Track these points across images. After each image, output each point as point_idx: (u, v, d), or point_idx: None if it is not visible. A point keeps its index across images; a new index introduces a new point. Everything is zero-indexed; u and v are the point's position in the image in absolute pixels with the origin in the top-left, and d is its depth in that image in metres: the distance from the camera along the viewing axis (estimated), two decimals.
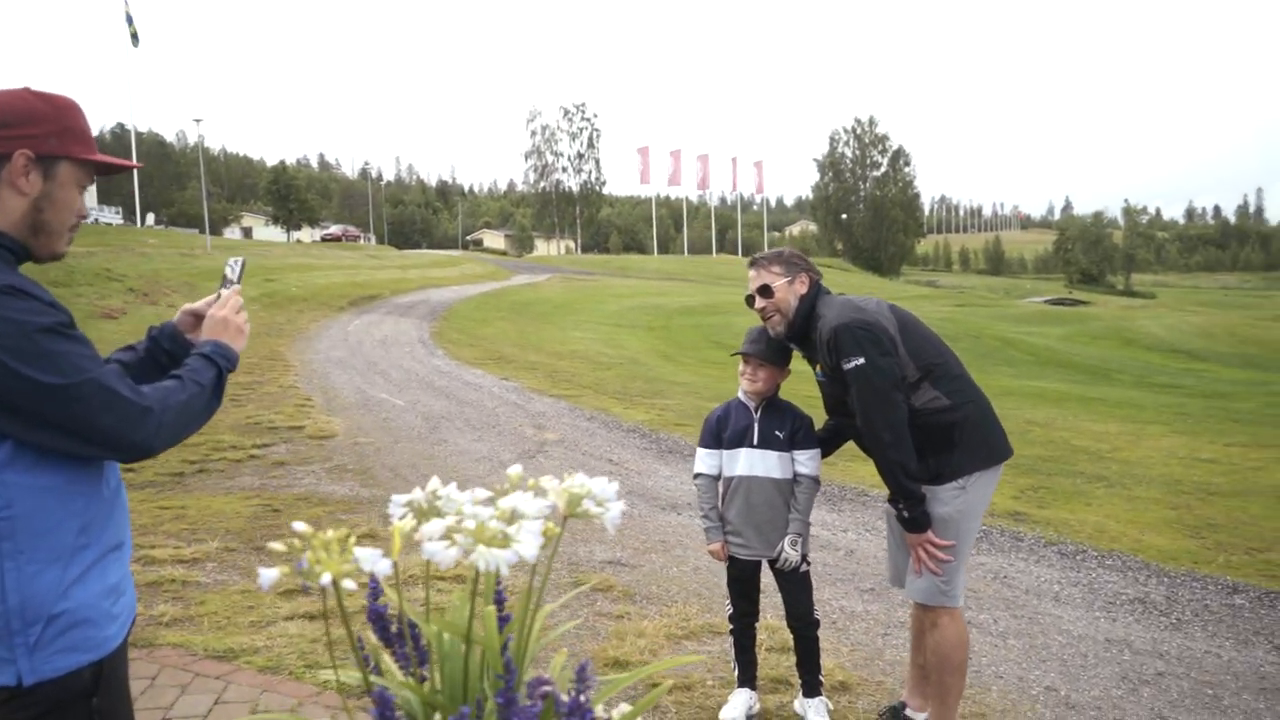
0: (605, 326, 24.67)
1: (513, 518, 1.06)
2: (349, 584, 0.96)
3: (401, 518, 1.30)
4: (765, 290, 3.42)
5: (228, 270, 2.30)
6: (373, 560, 0.97)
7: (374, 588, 1.52)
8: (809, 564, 3.66)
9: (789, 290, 3.41)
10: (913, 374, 3.24)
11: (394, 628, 1.44)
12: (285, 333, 18.96)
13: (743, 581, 3.69)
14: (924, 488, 3.25)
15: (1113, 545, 6.30)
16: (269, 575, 0.97)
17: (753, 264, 3.51)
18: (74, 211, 1.84)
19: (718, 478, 3.67)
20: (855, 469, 8.38)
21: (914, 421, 3.21)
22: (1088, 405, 13.85)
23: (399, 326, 20.90)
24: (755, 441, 3.60)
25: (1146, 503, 7.50)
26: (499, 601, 1.45)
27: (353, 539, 1.00)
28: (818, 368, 3.45)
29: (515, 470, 1.32)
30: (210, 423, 7.88)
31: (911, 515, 3.23)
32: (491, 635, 1.18)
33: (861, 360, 3.16)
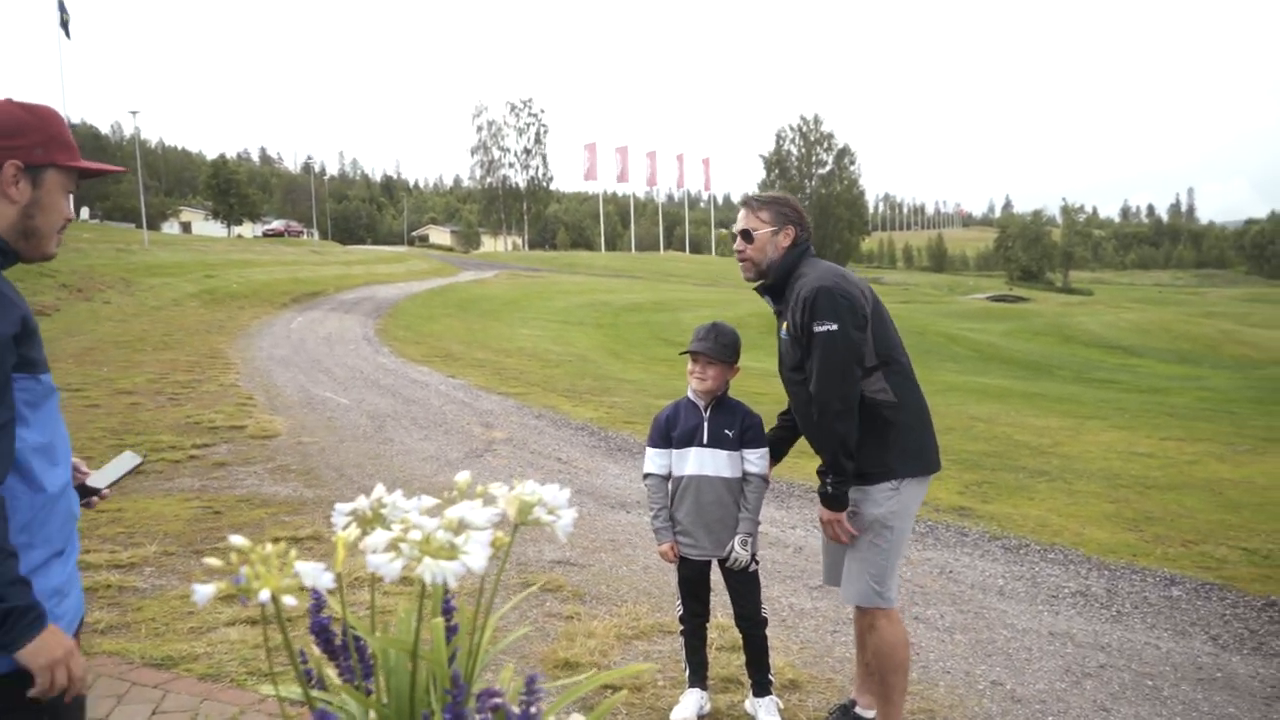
0: (553, 323, 24.57)
1: (460, 528, 1.03)
2: (289, 600, 0.92)
3: (345, 527, 1.26)
4: (746, 235, 3.37)
5: (107, 472, 2.15)
6: (315, 575, 0.93)
7: (317, 599, 1.47)
8: (758, 563, 3.66)
9: (769, 241, 3.36)
10: (870, 359, 3.23)
11: (338, 639, 1.40)
12: (226, 330, 18.58)
13: (693, 581, 3.68)
14: (857, 486, 3.26)
15: (1055, 539, 6.41)
16: (204, 592, 0.93)
17: (744, 204, 3.45)
18: (61, 214, 1.95)
19: (667, 477, 3.66)
20: (804, 465, 8.41)
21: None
22: (1029, 400, 14.12)
23: (343, 323, 20.60)
24: (705, 440, 3.59)
25: (1087, 497, 7.65)
26: (447, 611, 1.42)
27: (293, 553, 0.96)
28: (783, 326, 3.36)
29: (464, 477, 1.29)
30: (148, 422, 7.67)
31: (835, 492, 3.23)
32: (439, 648, 1.14)
33: (834, 326, 3.12)
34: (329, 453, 8.47)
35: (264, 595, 0.90)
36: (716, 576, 3.72)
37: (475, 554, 0.99)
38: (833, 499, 3.24)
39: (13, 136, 1.85)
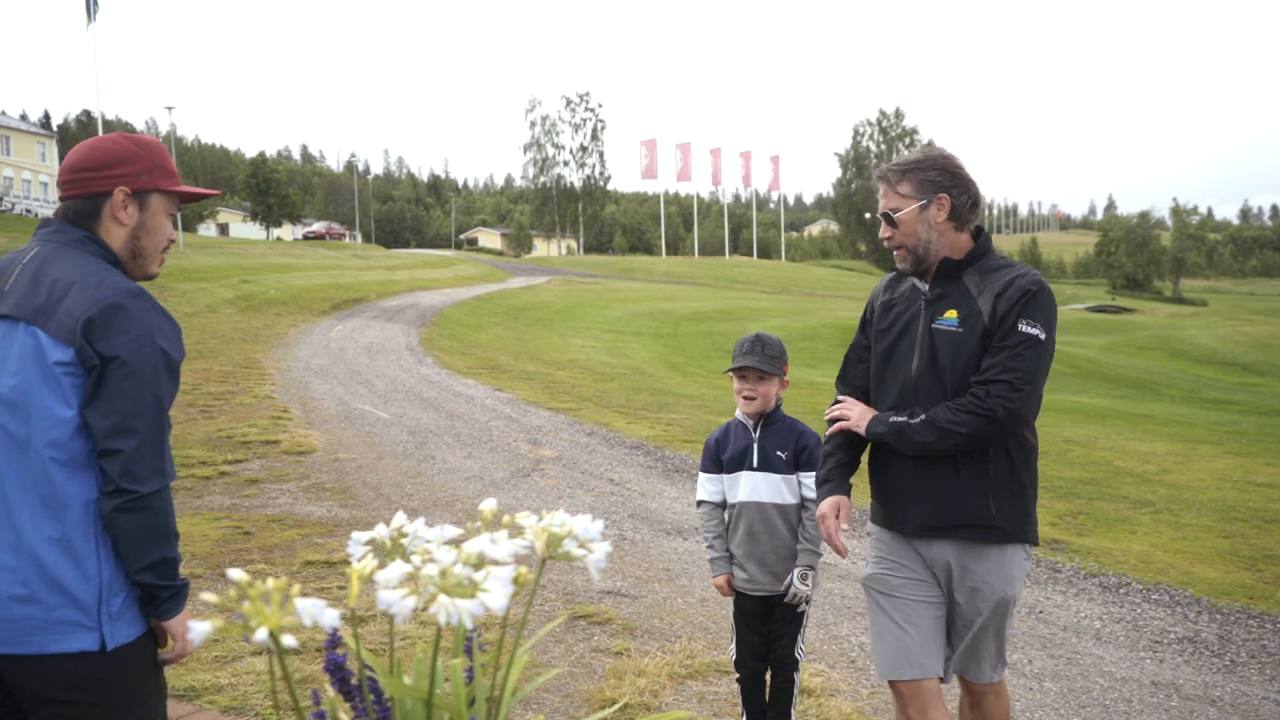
0: (608, 333, 24.65)
1: (480, 562, 1.01)
2: (289, 640, 0.91)
3: (361, 558, 1.25)
4: (889, 218, 2.96)
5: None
6: (316, 612, 0.92)
7: (333, 634, 1.47)
8: (809, 603, 3.60)
9: (918, 219, 2.92)
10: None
11: (354, 679, 1.40)
12: (262, 338, 18.96)
13: (751, 617, 3.63)
14: (987, 550, 2.93)
15: (1159, 577, 6.23)
16: (200, 630, 0.93)
17: (881, 177, 3.03)
18: (165, 236, 2.32)
19: (722, 505, 3.64)
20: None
21: (1009, 443, 2.91)
22: (1133, 422, 13.76)
23: (385, 332, 20.90)
24: (755, 464, 3.57)
25: (1197, 530, 7.42)
26: (468, 652, 1.40)
27: (296, 588, 0.96)
28: (950, 314, 2.92)
29: (489, 505, 1.27)
30: (179, 437, 7.86)
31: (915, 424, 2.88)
32: (458, 695, 1.13)
33: (1044, 335, 2.83)
34: (367, 470, 8.57)
35: (261, 634, 0.90)
36: None
37: (495, 592, 0.97)
38: (908, 430, 2.89)
39: (121, 165, 2.22)
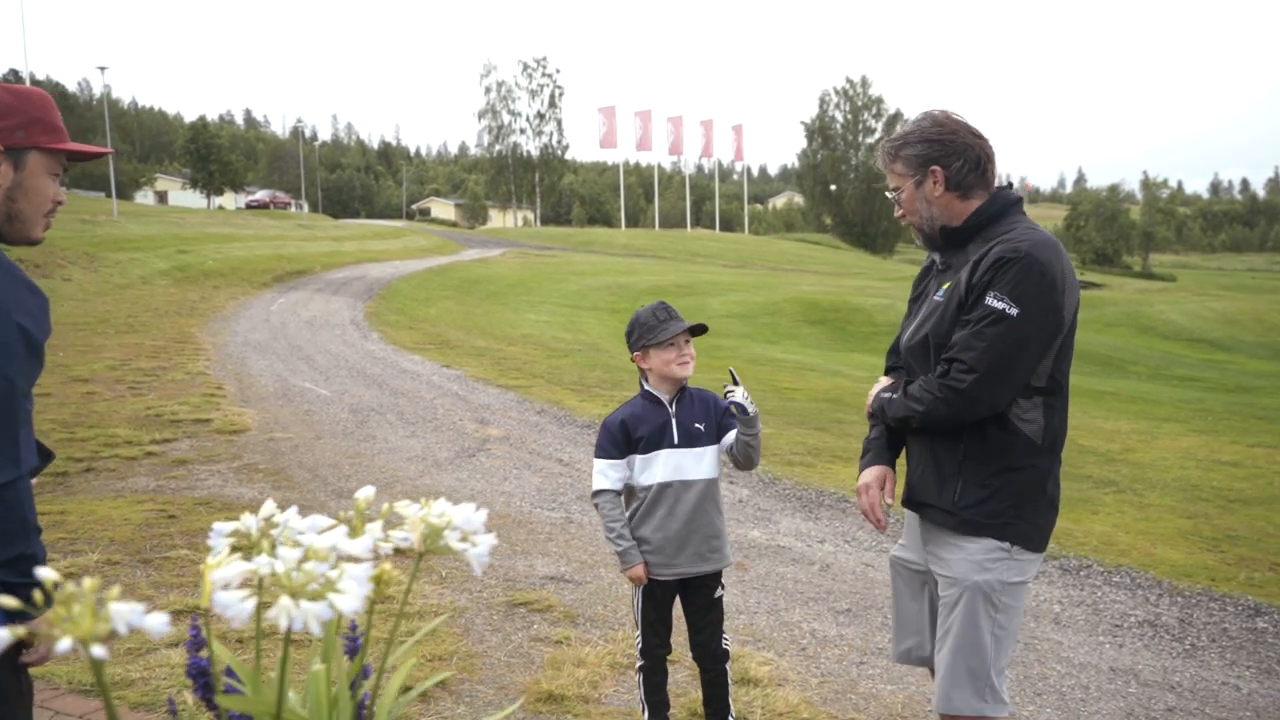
0: (564, 308, 24.54)
1: (334, 559, 0.92)
2: (98, 650, 0.82)
3: (219, 552, 1.16)
4: (895, 193, 2.97)
5: None
6: (134, 618, 0.82)
7: (195, 635, 1.37)
8: (724, 588, 3.60)
9: (916, 196, 2.88)
10: (1040, 379, 2.79)
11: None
12: (198, 311, 18.66)
13: (660, 606, 3.58)
14: (951, 537, 2.83)
15: (1121, 559, 6.26)
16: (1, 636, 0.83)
17: (881, 155, 3.01)
18: (48, 198, 2.18)
19: (620, 492, 3.55)
20: (835, 472, 8.33)
21: (985, 428, 2.80)
22: (1098, 400, 13.90)
23: (330, 306, 20.66)
24: (676, 440, 3.51)
25: (1160, 511, 7.49)
26: (352, 651, 1.32)
27: (115, 589, 0.86)
28: (942, 286, 2.90)
29: (365, 494, 1.18)
30: (103, 414, 7.67)
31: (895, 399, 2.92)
32: (320, 707, 1.04)
33: (1015, 311, 2.66)
34: (303, 450, 8.44)
35: (63, 645, 0.80)
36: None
37: (349, 593, 0.89)
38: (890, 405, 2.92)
39: None
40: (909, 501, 3.01)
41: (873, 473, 3.02)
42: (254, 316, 18.40)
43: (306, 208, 77.85)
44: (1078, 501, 7.68)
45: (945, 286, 2.87)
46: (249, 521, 1.21)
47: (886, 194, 3.04)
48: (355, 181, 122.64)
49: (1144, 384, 17.89)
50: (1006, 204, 2.88)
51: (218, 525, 1.21)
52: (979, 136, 2.89)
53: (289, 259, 30.16)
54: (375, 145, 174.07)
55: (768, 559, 6.13)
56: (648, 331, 3.51)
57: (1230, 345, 26.75)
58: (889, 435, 3.08)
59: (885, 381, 3.11)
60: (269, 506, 1.23)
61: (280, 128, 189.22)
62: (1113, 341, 26.24)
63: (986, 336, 2.68)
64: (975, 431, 2.79)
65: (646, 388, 3.59)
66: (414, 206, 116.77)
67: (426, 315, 20.50)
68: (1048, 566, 6.14)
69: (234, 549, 1.16)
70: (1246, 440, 10.64)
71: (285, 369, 12.76)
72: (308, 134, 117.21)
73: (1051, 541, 6.60)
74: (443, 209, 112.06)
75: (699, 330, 3.59)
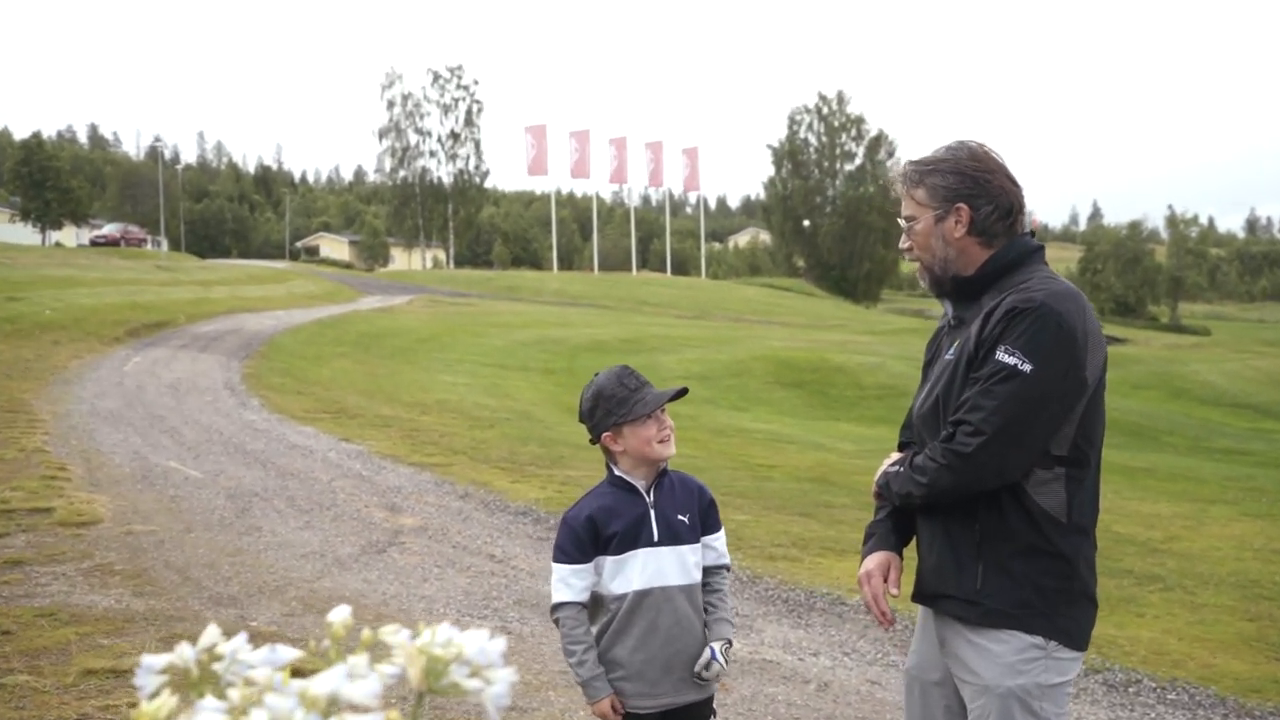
0: (486, 368, 24.51)
1: (330, 708, 0.87)
2: None
3: (154, 694, 1.10)
4: (909, 224, 3.05)
5: None
6: None
7: None
8: (716, 716, 3.61)
9: (933, 231, 2.96)
10: (1061, 446, 2.83)
11: None
12: (33, 373, 18.35)
13: None
14: (973, 631, 2.87)
15: (1175, 672, 6.31)
16: None
17: (902, 177, 3.08)
18: None
19: (585, 605, 3.47)
20: (825, 567, 8.32)
21: (1002, 502, 2.84)
22: (1131, 478, 14.12)
23: (198, 366, 20.46)
24: (656, 538, 3.46)
25: (1216, 611, 7.57)
26: None
27: None
28: (954, 344, 2.99)
29: (340, 615, 1.13)
30: None
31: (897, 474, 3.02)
32: None
33: (1029, 368, 2.72)
34: (170, 547, 8.30)
35: None
36: None
37: None
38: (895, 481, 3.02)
39: None
40: (921, 595, 3.04)
41: (875, 559, 3.08)
42: (104, 379, 18.15)
43: (166, 245, 77.41)
44: (1120, 601, 7.74)
45: (957, 344, 2.95)
46: (185, 653, 1.16)
47: (899, 220, 3.11)
48: (227, 213, 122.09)
49: (1183, 458, 18.22)
50: (1025, 252, 2.98)
51: (146, 659, 1.15)
52: (1015, 184, 3.00)
53: (146, 308, 29.84)
54: (251, 170, 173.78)
55: (752, 677, 6.08)
56: (618, 405, 3.44)
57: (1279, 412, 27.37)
58: (896, 518, 3.14)
59: (895, 456, 3.16)
60: (211, 633, 1.17)
61: (134, 147, 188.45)
62: (1142, 407, 26.75)
63: (996, 395, 2.75)
64: (991, 506, 2.84)
65: (617, 473, 3.54)
66: (299, 244, 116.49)
67: (319, 377, 20.37)
68: (1090, 682, 6.16)
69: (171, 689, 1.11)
70: None
71: (144, 444, 12.58)
72: (168, 155, 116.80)
73: (1093, 650, 6.66)
74: (335, 247, 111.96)
75: (678, 396, 3.58)
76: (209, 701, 0.99)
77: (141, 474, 10.96)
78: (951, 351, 2.97)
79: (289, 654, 1.11)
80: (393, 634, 1.12)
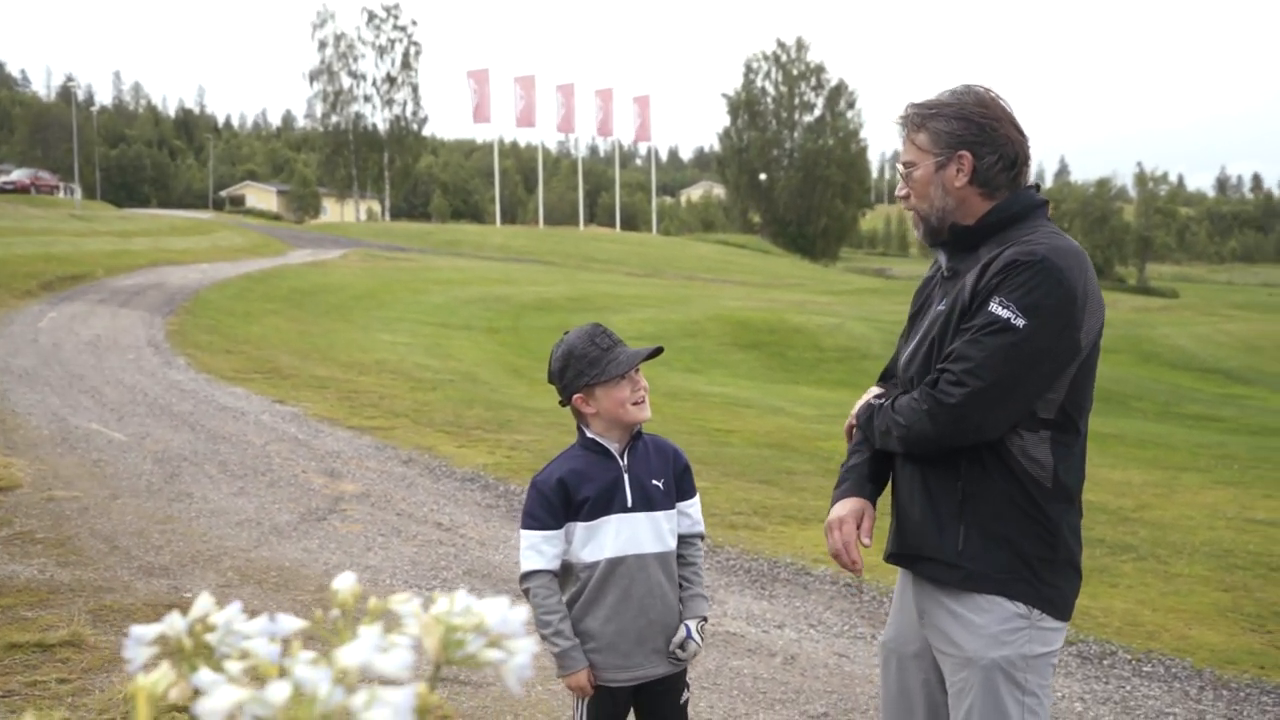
0: (427, 326, 24.38)
1: (357, 684, 0.87)
2: None
3: (145, 665, 1.09)
4: (907, 170, 3.03)
5: None
6: None
7: None
8: (689, 690, 3.62)
9: (933, 179, 2.94)
10: (1048, 409, 2.85)
11: None
12: None
13: (615, 717, 3.54)
14: (954, 595, 2.90)
15: (1150, 644, 6.42)
16: None
17: (902, 120, 3.06)
18: None
19: (557, 573, 3.47)
20: (790, 535, 8.38)
21: (984, 460, 2.87)
22: (1101, 444, 14.29)
23: (119, 322, 20.22)
24: (630, 503, 3.47)
25: (1190, 581, 7.70)
26: None
27: None
28: (944, 297, 3.01)
29: (347, 583, 1.12)
30: None
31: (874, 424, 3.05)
32: None
33: (1020, 321, 2.73)
34: (95, 514, 8.22)
35: None
36: None
37: None
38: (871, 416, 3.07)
39: None
40: (898, 556, 3.05)
41: (848, 505, 3.07)
42: (17, 335, 17.88)
43: (80, 193, 76.04)
44: (1092, 571, 7.85)
45: (950, 295, 2.96)
46: (176, 622, 1.14)
47: (896, 167, 3.12)
48: (146, 159, 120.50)
49: (1152, 424, 18.49)
50: (1029, 205, 2.98)
51: (136, 630, 1.13)
52: (1021, 133, 3.00)
53: (61, 260, 29.37)
54: (171, 113, 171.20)
55: (716, 650, 6.12)
56: (591, 365, 3.43)
57: (1251, 377, 27.82)
58: (873, 464, 3.15)
59: (876, 390, 3.19)
60: (203, 601, 1.16)
61: (44, 87, 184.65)
62: (1110, 371, 27.05)
63: (985, 346, 2.76)
64: (974, 463, 2.86)
65: (590, 435, 3.53)
66: (224, 193, 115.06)
67: (248, 335, 20.18)
68: (1064, 654, 6.25)
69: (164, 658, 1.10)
70: None
71: (63, 405, 12.41)
72: (81, 96, 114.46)
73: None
74: (262, 197, 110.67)
75: (653, 355, 3.60)
76: (222, 686, 0.98)
77: (61, 436, 10.82)
78: (944, 303, 2.97)
79: (291, 624, 1.10)
80: (403, 603, 1.11)
